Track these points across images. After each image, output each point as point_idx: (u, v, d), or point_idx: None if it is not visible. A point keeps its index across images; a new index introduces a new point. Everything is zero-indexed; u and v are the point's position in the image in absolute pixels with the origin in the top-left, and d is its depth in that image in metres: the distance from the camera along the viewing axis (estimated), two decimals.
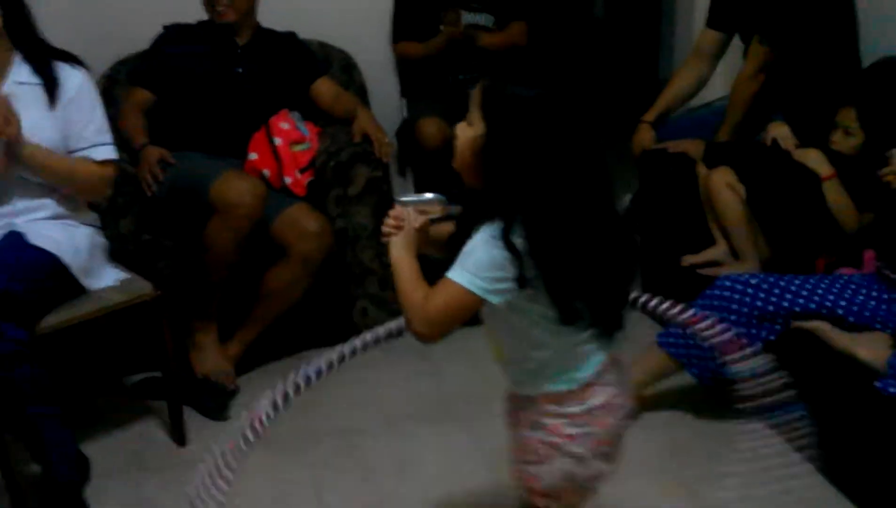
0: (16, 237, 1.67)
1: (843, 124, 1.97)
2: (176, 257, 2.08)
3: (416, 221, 1.14)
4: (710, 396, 1.98)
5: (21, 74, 1.70)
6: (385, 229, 1.15)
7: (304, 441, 1.95)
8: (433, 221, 1.21)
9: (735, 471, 1.77)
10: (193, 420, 2.00)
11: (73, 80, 1.74)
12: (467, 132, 1.06)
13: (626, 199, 2.90)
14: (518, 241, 1.01)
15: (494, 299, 1.04)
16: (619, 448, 1.22)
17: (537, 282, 1.03)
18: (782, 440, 1.81)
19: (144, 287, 1.82)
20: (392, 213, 1.15)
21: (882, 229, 1.76)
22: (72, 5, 2.34)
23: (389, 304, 2.36)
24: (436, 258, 1.17)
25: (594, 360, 1.14)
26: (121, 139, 2.17)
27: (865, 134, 1.91)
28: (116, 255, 1.92)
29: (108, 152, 1.80)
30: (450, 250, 1.10)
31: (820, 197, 1.90)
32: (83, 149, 1.75)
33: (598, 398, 1.14)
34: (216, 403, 2.04)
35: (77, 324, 1.71)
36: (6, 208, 1.70)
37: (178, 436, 1.93)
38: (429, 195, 1.20)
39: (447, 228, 1.18)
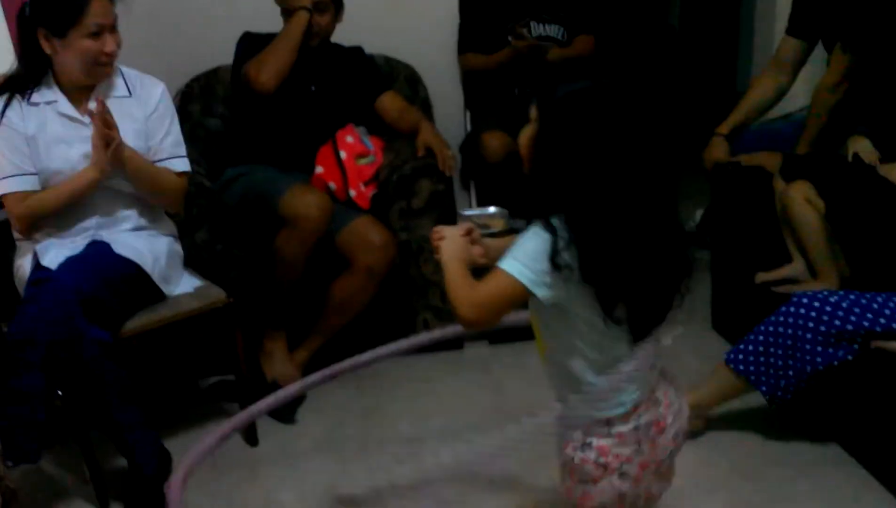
0: (101, 246, 1.79)
1: None
2: (246, 267, 2.17)
3: (459, 229, 1.16)
4: (780, 417, 1.92)
5: (119, 88, 1.84)
6: (432, 242, 1.18)
7: (366, 447, 2.00)
8: (493, 234, 1.22)
9: (806, 493, 1.70)
10: (264, 423, 2.07)
11: (155, 92, 1.87)
12: (526, 131, 1.09)
13: (698, 214, 2.81)
14: (560, 229, 1.02)
15: (540, 292, 1.04)
16: (672, 465, 1.19)
17: (579, 278, 1.03)
18: (856, 463, 1.74)
19: (218, 294, 1.91)
20: (435, 228, 1.19)
21: None
22: (148, 26, 2.43)
23: (452, 316, 2.37)
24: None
25: (644, 383, 1.12)
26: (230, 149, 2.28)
27: None
28: (191, 263, 2.02)
29: (184, 165, 1.92)
30: None
31: None
32: (163, 160, 1.88)
33: (646, 416, 1.12)
34: (286, 407, 2.10)
35: (156, 328, 1.82)
36: (92, 221, 1.83)
37: (251, 437, 2.01)
38: (492, 209, 1.22)
39: (510, 241, 1.19)
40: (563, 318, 1.09)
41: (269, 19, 2.26)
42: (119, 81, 1.84)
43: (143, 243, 1.84)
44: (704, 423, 1.90)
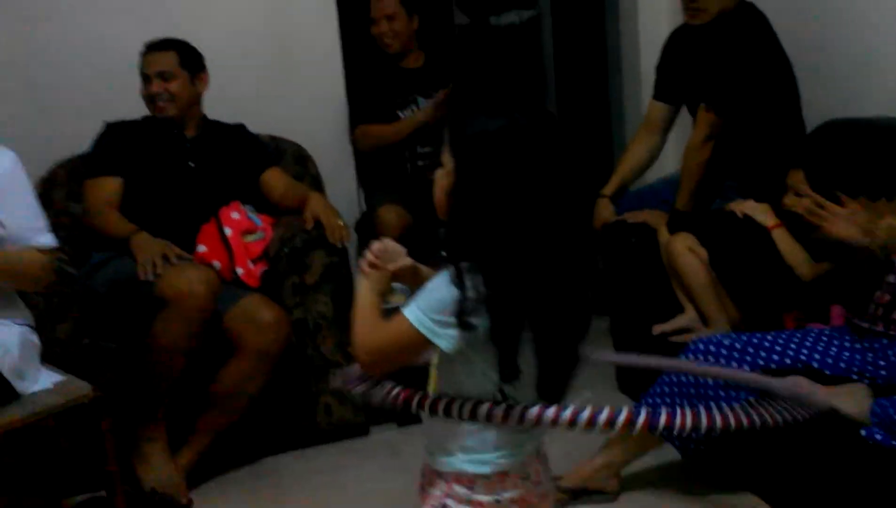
0: None
1: (793, 186, 2.00)
2: (120, 361, 1.95)
3: (398, 263, 1.08)
4: (694, 470, 1.90)
5: None
6: (364, 262, 1.08)
7: None
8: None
9: None
10: None
11: (5, 161, 1.69)
12: (441, 174, 1.03)
13: None
14: (471, 283, 0.96)
15: (443, 344, 0.97)
16: None
17: (485, 334, 0.97)
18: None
19: (82, 388, 1.70)
20: (376, 246, 1.08)
21: (843, 281, 1.76)
22: (14, 110, 2.33)
23: (355, 399, 2.24)
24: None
25: (521, 449, 1.05)
26: (95, 235, 2.11)
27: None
28: (51, 360, 1.79)
29: (49, 239, 1.74)
30: None
31: (775, 250, 1.90)
32: (24, 239, 1.69)
33: (512, 491, 1.04)
34: None
35: (10, 431, 1.57)
36: None
37: None
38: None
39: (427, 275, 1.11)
40: (463, 365, 1.02)
41: (135, 106, 2.19)
42: None
43: None
44: (618, 482, 1.84)
